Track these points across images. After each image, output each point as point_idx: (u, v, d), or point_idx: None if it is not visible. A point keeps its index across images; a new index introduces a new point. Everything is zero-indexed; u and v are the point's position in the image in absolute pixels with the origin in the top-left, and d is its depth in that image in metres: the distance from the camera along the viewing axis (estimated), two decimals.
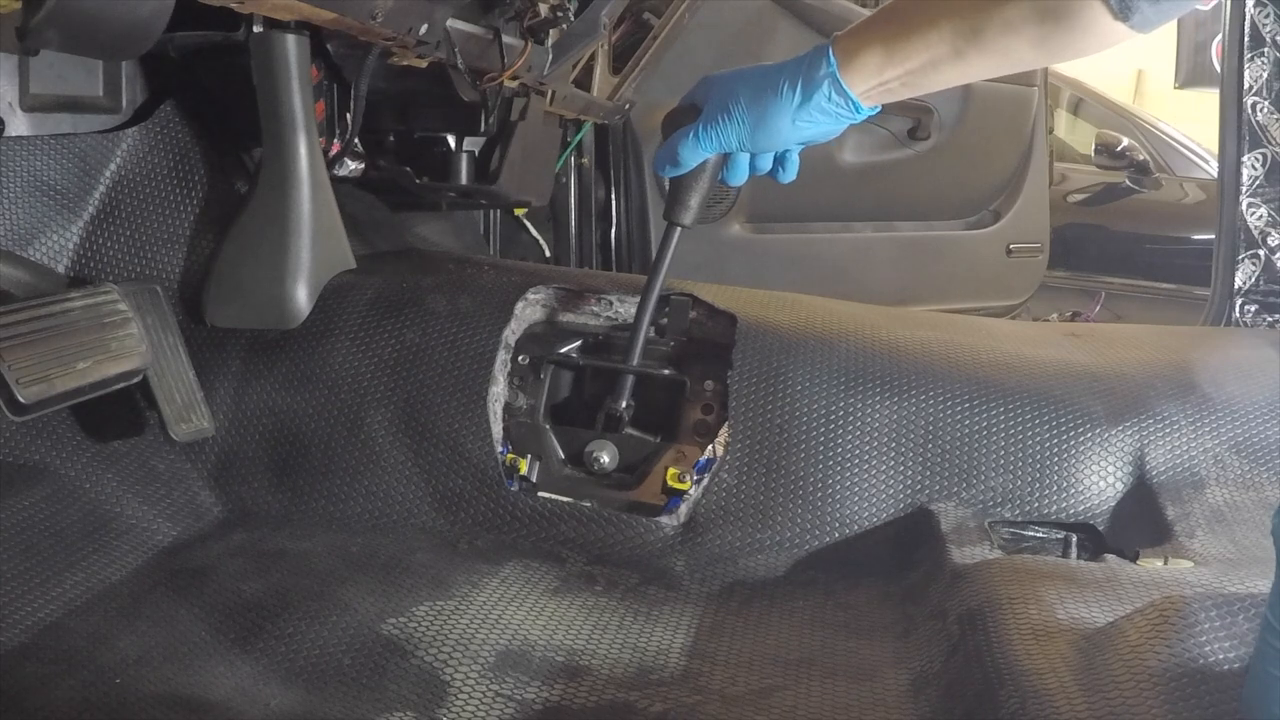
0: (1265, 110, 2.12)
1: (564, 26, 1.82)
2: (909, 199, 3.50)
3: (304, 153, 1.67)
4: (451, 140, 2.00)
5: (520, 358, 1.72)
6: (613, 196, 2.92)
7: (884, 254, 3.49)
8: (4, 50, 1.47)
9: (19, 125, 1.58)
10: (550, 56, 1.92)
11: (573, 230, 2.89)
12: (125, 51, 1.47)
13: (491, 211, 2.78)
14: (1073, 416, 1.57)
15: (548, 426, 1.69)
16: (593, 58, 2.48)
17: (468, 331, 1.70)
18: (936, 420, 1.58)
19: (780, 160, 1.23)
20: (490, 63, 1.76)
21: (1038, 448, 1.55)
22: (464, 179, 2.01)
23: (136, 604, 1.34)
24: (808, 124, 1.12)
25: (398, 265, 1.96)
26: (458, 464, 1.61)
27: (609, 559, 1.53)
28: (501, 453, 1.64)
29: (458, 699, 1.18)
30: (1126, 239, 5.37)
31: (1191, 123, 5.76)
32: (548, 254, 2.89)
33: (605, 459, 1.64)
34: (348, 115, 1.84)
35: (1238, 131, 2.14)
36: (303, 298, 1.71)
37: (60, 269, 1.67)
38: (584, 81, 2.45)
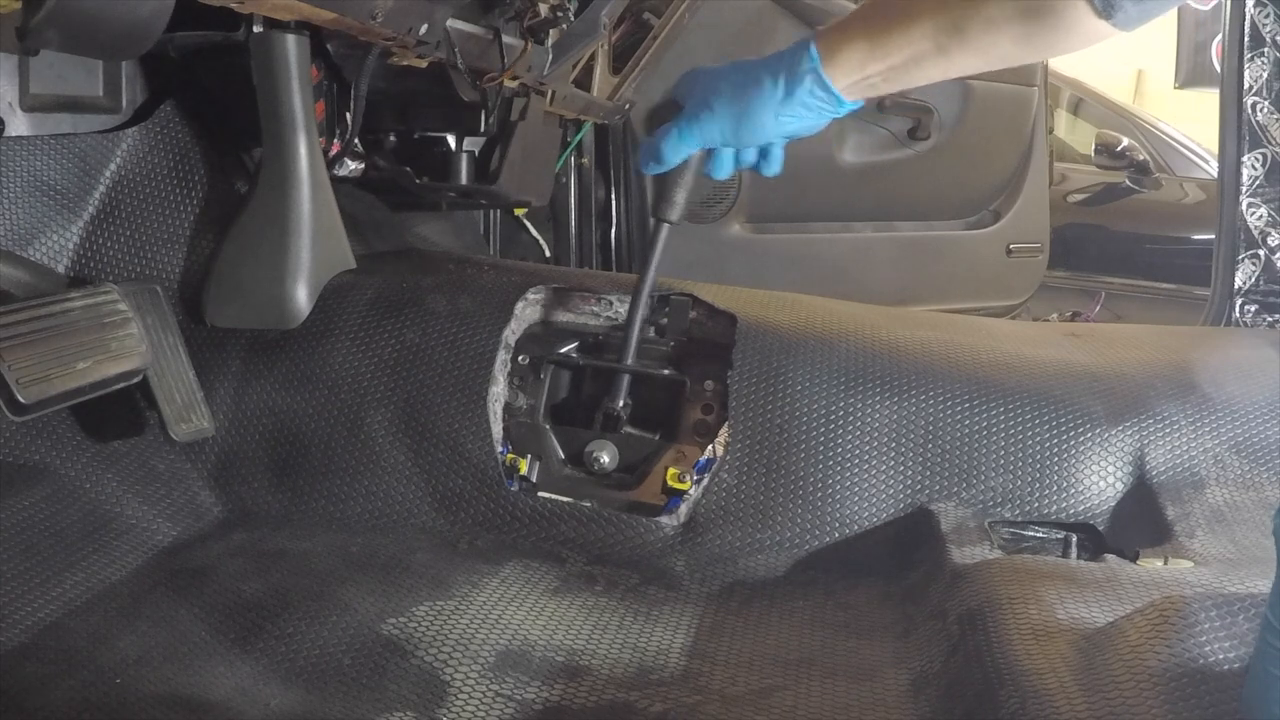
0: (1265, 110, 2.12)
1: (564, 26, 1.82)
2: (909, 199, 3.50)
3: (304, 153, 1.67)
4: (451, 140, 2.00)
5: (520, 358, 1.72)
6: (613, 196, 2.92)
7: (884, 254, 3.49)
8: (4, 50, 1.47)
9: (19, 125, 1.58)
10: (550, 56, 1.92)
11: (573, 230, 2.89)
12: (125, 51, 1.47)
13: (491, 211, 2.78)
14: (1073, 416, 1.57)
15: (548, 426, 1.69)
16: (593, 58, 2.48)
17: (468, 331, 1.70)
18: (936, 420, 1.58)
19: (764, 153, 1.23)
20: (490, 63, 1.76)
21: (1038, 448, 1.55)
22: (464, 179, 2.01)
23: (136, 604, 1.34)
24: (791, 118, 1.12)
25: (398, 265, 1.95)
26: (458, 464, 1.61)
27: (609, 559, 1.53)
28: (501, 453, 1.64)
29: (458, 699, 1.18)
30: (1126, 239, 5.37)
31: (1191, 123, 5.76)
32: (548, 254, 2.89)
33: (605, 459, 1.64)
34: (348, 115, 1.84)
35: (1238, 131, 2.14)
36: (303, 298, 1.71)
37: (60, 269, 1.67)
38: (584, 81, 2.45)
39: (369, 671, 1.21)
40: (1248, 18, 2.12)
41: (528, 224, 2.86)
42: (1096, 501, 1.53)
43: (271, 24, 1.61)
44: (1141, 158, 5.38)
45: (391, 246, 2.14)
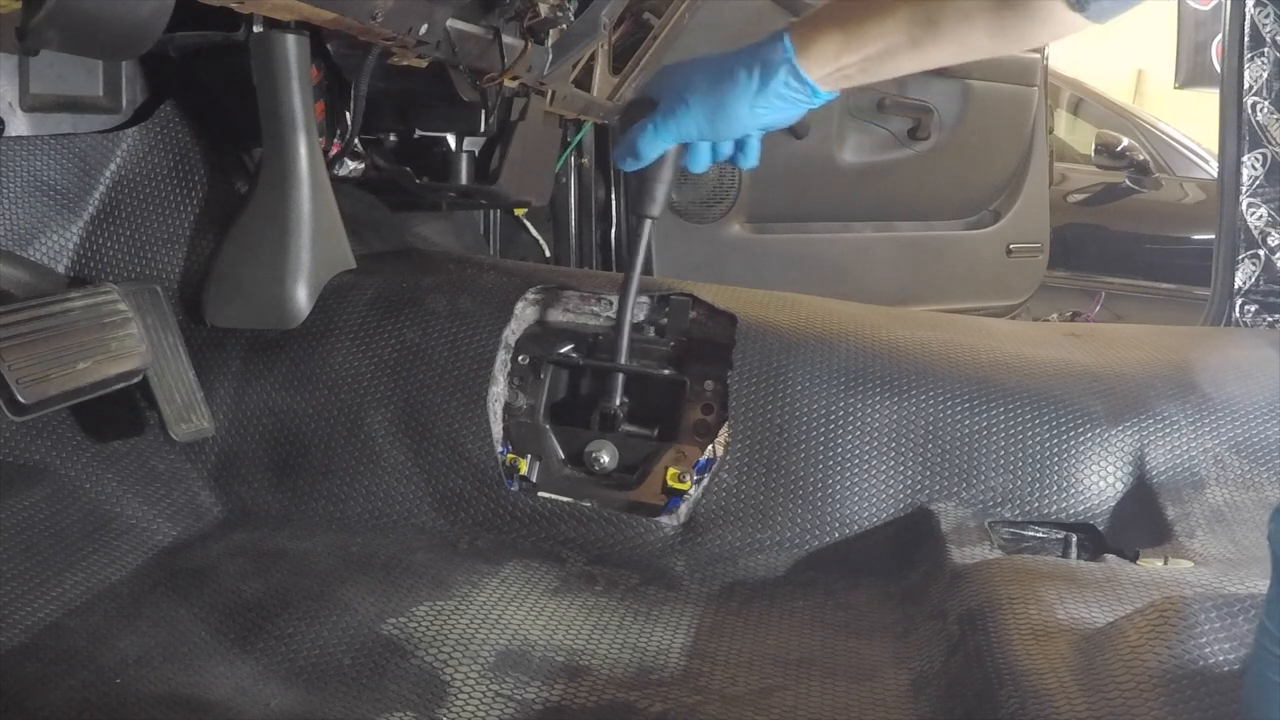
0: (1265, 110, 2.12)
1: (564, 26, 1.82)
2: (909, 199, 3.50)
3: (304, 153, 1.67)
4: (451, 140, 2.00)
5: (520, 358, 1.72)
6: (613, 196, 2.92)
7: (884, 254, 3.50)
8: (4, 50, 1.47)
9: (19, 125, 1.58)
10: (550, 56, 1.92)
11: (573, 230, 2.90)
12: (125, 51, 1.47)
13: (491, 211, 2.78)
14: (1073, 416, 1.57)
15: (548, 426, 1.69)
16: (593, 58, 2.48)
17: (468, 331, 1.70)
18: (936, 420, 1.58)
19: (741, 146, 1.23)
20: (490, 63, 1.76)
21: (1038, 448, 1.55)
22: (464, 179, 2.01)
23: (136, 604, 1.34)
24: (766, 110, 1.13)
25: (398, 265, 1.95)
26: (458, 464, 1.61)
27: (609, 559, 1.53)
28: (501, 453, 1.64)
29: (458, 699, 1.18)
30: (1126, 239, 5.37)
31: (1191, 123, 5.76)
32: (548, 254, 2.89)
33: (605, 459, 1.64)
34: (347, 115, 1.84)
35: (1238, 131, 2.15)
36: (303, 298, 1.71)
37: (60, 269, 1.67)
38: (584, 81, 2.45)
39: (369, 671, 1.21)
40: (1248, 18, 2.12)
41: (528, 224, 2.86)
42: (1096, 501, 1.53)
43: (271, 24, 1.61)
44: (1141, 158, 5.38)
45: (391, 246, 2.14)
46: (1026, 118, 3.69)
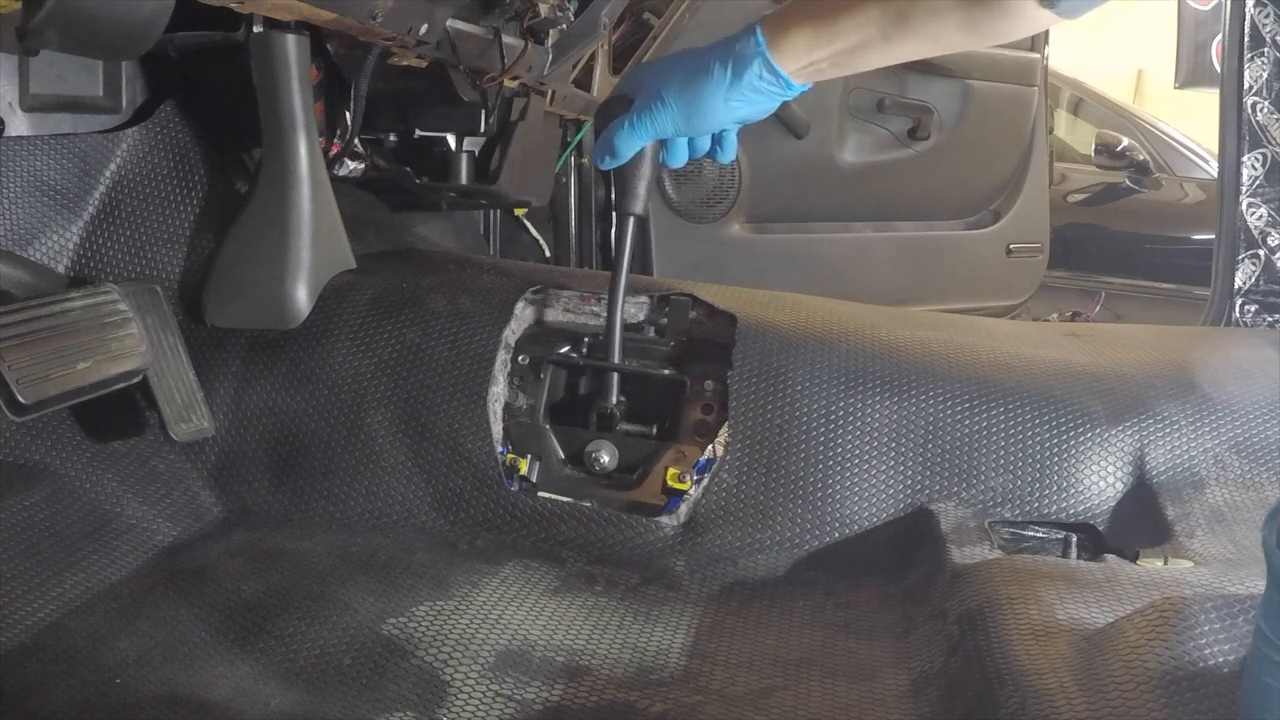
0: (1265, 110, 2.12)
1: (564, 26, 1.82)
2: (909, 199, 3.50)
3: (304, 153, 1.68)
4: (451, 140, 2.00)
5: (520, 358, 1.72)
6: (613, 196, 2.92)
7: (884, 254, 3.50)
8: (4, 50, 1.47)
9: (19, 125, 1.58)
10: (550, 56, 1.92)
11: (573, 230, 2.89)
12: (125, 51, 1.47)
13: (491, 211, 2.78)
14: (1073, 416, 1.57)
15: (548, 426, 1.69)
16: (593, 58, 2.48)
17: (468, 331, 1.70)
18: (936, 420, 1.58)
19: (718, 140, 1.23)
20: (490, 63, 1.76)
21: (1038, 448, 1.55)
22: (464, 179, 2.01)
23: (136, 604, 1.34)
24: (741, 103, 1.13)
25: (398, 265, 1.96)
26: (458, 464, 1.61)
27: (609, 559, 1.53)
28: (501, 453, 1.64)
29: (458, 699, 1.18)
30: (1126, 239, 5.37)
31: (1191, 123, 5.76)
32: (548, 254, 2.89)
33: (605, 459, 1.64)
34: (347, 115, 1.84)
35: (1238, 131, 2.14)
36: (303, 298, 1.71)
37: (60, 269, 1.67)
38: (584, 81, 2.45)
39: (369, 671, 1.21)
40: (1248, 18, 2.12)
41: (528, 224, 2.86)
42: (1096, 501, 1.53)
43: (271, 24, 1.61)
44: (1141, 158, 5.38)
45: (391, 246, 2.14)
46: (1026, 118, 3.69)
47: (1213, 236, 2.25)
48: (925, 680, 1.22)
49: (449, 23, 1.61)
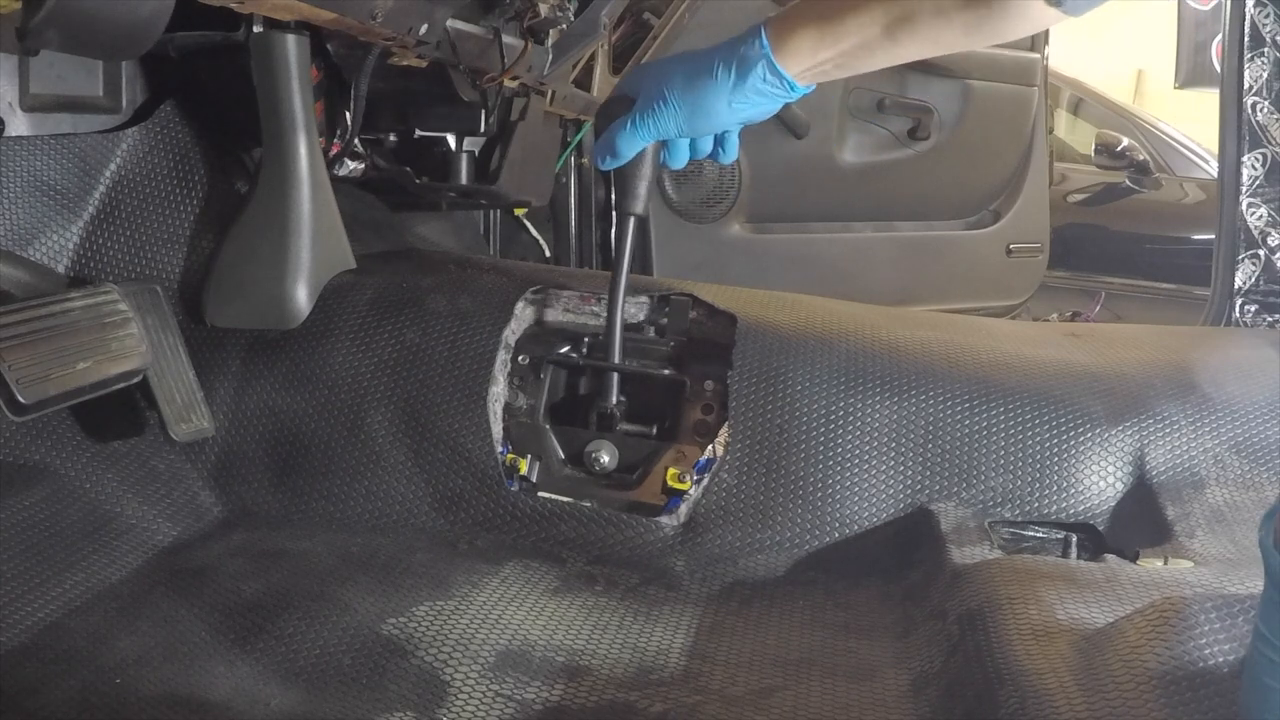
0: (1265, 110, 2.12)
1: (564, 26, 1.82)
2: (909, 199, 3.50)
3: (304, 153, 1.68)
4: (451, 140, 2.00)
5: (520, 358, 1.72)
6: (612, 196, 2.92)
7: (884, 254, 3.50)
8: (4, 50, 1.47)
9: (19, 125, 1.58)
10: (550, 56, 1.92)
11: (573, 230, 2.89)
12: (125, 51, 1.47)
13: (491, 211, 2.78)
14: (1073, 416, 1.57)
15: (548, 426, 1.69)
16: (593, 58, 2.48)
17: (468, 331, 1.70)
18: (936, 420, 1.58)
19: (720, 142, 1.23)
20: (490, 63, 1.76)
21: (1038, 448, 1.55)
22: (464, 179, 2.01)
23: (136, 604, 1.34)
24: (744, 104, 1.13)
25: (398, 265, 1.96)
26: (458, 464, 1.61)
27: (609, 559, 1.53)
28: (501, 453, 1.64)
29: (458, 699, 1.18)
30: (1126, 239, 5.37)
31: (1191, 123, 5.76)
32: (548, 254, 2.89)
33: (605, 459, 1.64)
34: (347, 115, 1.84)
35: (1238, 131, 2.14)
36: (303, 298, 1.71)
37: (60, 269, 1.67)
38: (584, 81, 2.45)
39: (369, 671, 1.21)
40: (1248, 18, 2.12)
41: (528, 224, 2.86)
42: (1096, 501, 1.53)
43: (271, 24, 1.61)
44: (1141, 158, 5.38)
45: (391, 246, 2.14)
46: (1026, 118, 3.69)
47: (1213, 236, 2.25)
48: (925, 680, 1.22)
49: (449, 23, 1.61)
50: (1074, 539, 1.51)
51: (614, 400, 1.66)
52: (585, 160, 2.87)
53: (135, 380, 1.51)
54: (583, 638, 1.32)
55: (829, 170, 3.26)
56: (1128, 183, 5.39)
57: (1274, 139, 2.12)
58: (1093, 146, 5.41)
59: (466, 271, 1.88)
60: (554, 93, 2.16)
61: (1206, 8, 6.61)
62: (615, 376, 1.67)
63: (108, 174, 1.72)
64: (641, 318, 1.77)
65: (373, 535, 1.55)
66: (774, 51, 1.09)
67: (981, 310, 3.56)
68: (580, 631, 1.33)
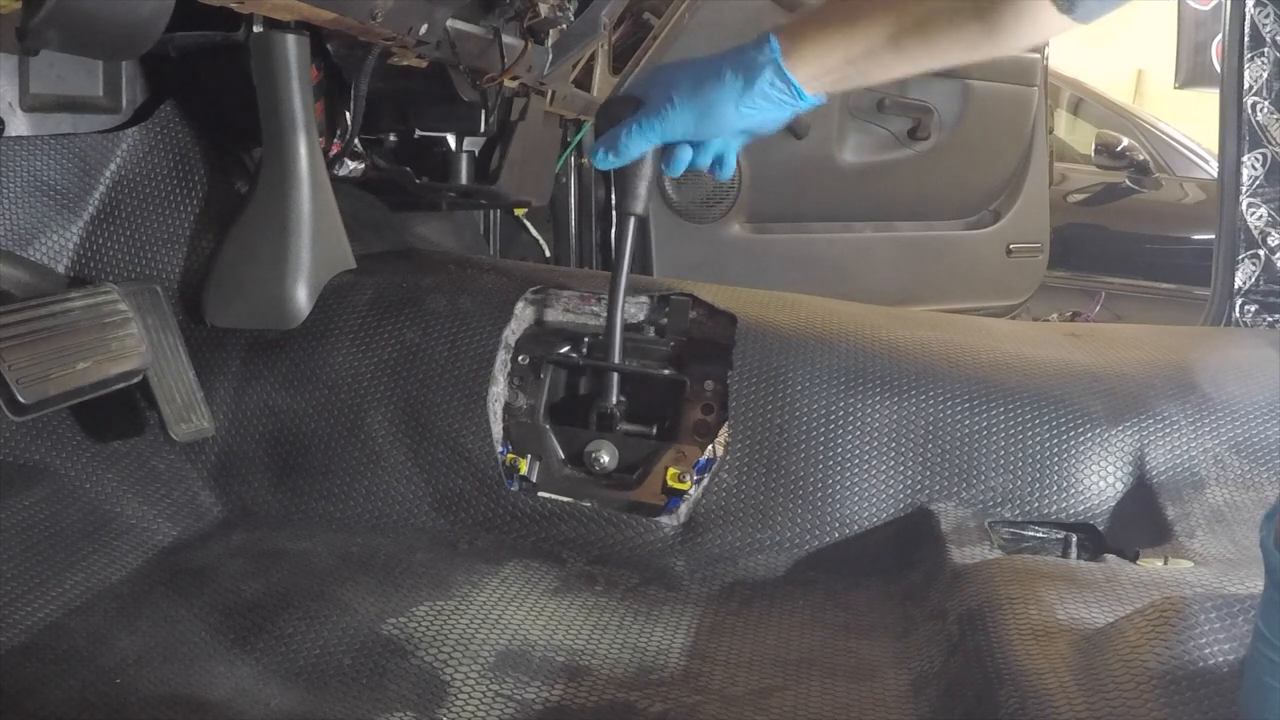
0: (1265, 110, 2.12)
1: (564, 26, 1.82)
2: (909, 199, 3.50)
3: (304, 153, 1.68)
4: (451, 140, 2.00)
5: (520, 358, 1.72)
6: (613, 196, 2.92)
7: (884, 254, 3.50)
8: (4, 50, 1.47)
9: (19, 125, 1.58)
10: (550, 56, 1.92)
11: (573, 230, 2.89)
12: (125, 51, 1.47)
13: (491, 211, 2.78)
14: (1073, 416, 1.57)
15: (548, 426, 1.69)
16: (593, 58, 2.48)
17: (468, 331, 1.70)
18: (936, 420, 1.58)
19: (719, 159, 1.22)
20: (490, 63, 1.76)
21: (1038, 448, 1.55)
22: (464, 179, 2.01)
23: (136, 604, 1.34)
24: (752, 109, 1.12)
25: (398, 265, 1.96)
26: (458, 464, 1.61)
27: (609, 559, 1.53)
28: (501, 453, 1.64)
29: (458, 699, 1.18)
30: (1126, 239, 5.37)
31: (1191, 123, 5.76)
32: (548, 254, 2.89)
33: (605, 459, 1.64)
34: (347, 115, 1.84)
35: (1238, 131, 2.14)
36: (303, 298, 1.71)
37: (60, 269, 1.67)
38: (584, 81, 2.45)
39: (369, 671, 1.21)
40: (1248, 18, 2.12)
41: (528, 224, 2.86)
42: (1096, 501, 1.53)
43: (271, 24, 1.61)
44: (1141, 158, 5.38)
45: (391, 246, 2.14)
46: (1026, 118, 3.69)
47: (1213, 236, 2.25)
48: (925, 680, 1.22)
49: (449, 23, 1.61)
50: (1074, 539, 1.51)
51: (614, 400, 1.66)
52: (585, 160, 2.87)
53: (135, 380, 1.51)
54: (583, 638, 1.32)
55: (829, 170, 3.26)
56: (1128, 183, 5.39)
57: (1274, 139, 2.12)
58: (1093, 146, 5.41)
59: (466, 271, 1.88)
60: (554, 93, 2.16)
61: (1206, 8, 6.60)
62: (615, 376, 1.67)
63: (108, 174, 1.72)
64: (641, 318, 1.77)
65: (373, 535, 1.55)
66: (784, 56, 1.09)
67: (981, 310, 3.56)
68: (580, 631, 1.33)
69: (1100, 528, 1.52)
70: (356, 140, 1.89)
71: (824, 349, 1.66)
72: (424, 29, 1.53)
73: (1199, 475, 1.54)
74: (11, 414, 1.29)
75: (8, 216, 1.61)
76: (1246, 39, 2.13)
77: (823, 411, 1.59)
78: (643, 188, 1.42)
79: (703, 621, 1.38)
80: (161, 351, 1.58)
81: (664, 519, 1.57)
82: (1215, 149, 2.32)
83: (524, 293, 1.77)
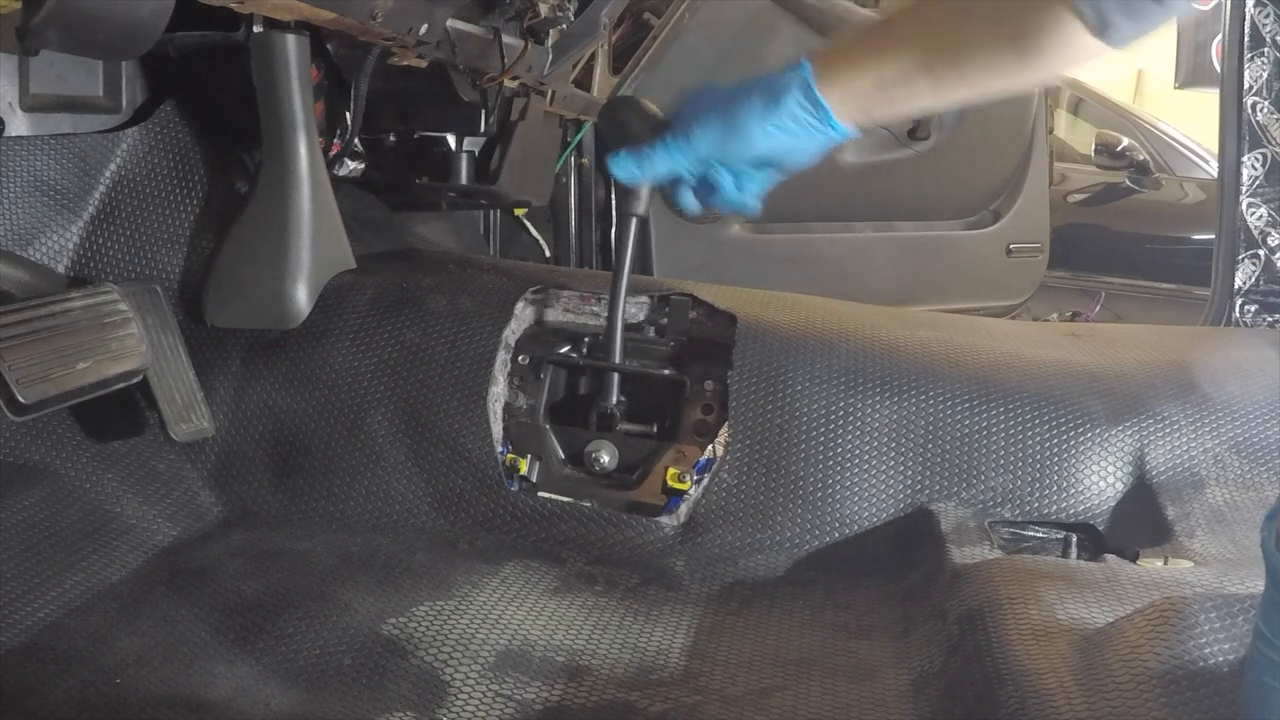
0: (1265, 110, 2.12)
1: (564, 26, 1.82)
2: (909, 199, 3.50)
3: (304, 153, 1.67)
4: (451, 140, 2.00)
5: (520, 358, 1.72)
6: (612, 196, 2.92)
7: (884, 254, 3.49)
8: (4, 50, 1.47)
9: (19, 125, 1.58)
10: (550, 56, 1.92)
11: (573, 230, 2.89)
12: (125, 51, 1.47)
13: (491, 211, 2.78)
14: (1073, 416, 1.57)
15: (548, 426, 1.69)
16: (593, 58, 2.49)
17: (468, 331, 1.70)
18: (936, 420, 1.58)
19: (746, 188, 1.17)
20: (490, 63, 1.76)
21: (1038, 448, 1.55)
22: (464, 179, 2.01)
23: (136, 604, 1.34)
24: (779, 131, 1.09)
25: (398, 265, 1.96)
26: (458, 464, 1.61)
27: (609, 559, 1.52)
28: (501, 453, 1.64)
29: (458, 699, 1.18)
30: (1126, 239, 5.37)
31: (1191, 123, 5.76)
32: (548, 254, 2.89)
33: (605, 459, 1.64)
34: (347, 115, 1.84)
35: (1238, 131, 2.14)
36: (303, 298, 1.71)
37: (60, 269, 1.67)
38: (584, 81, 2.45)
39: (369, 671, 1.21)
40: (1248, 18, 2.12)
41: (528, 224, 2.86)
42: (1096, 501, 1.53)
43: (271, 24, 1.61)
44: (1141, 158, 5.38)
45: (391, 246, 2.14)
46: (1026, 118, 3.69)
47: (1213, 236, 2.25)
48: (925, 680, 1.22)
49: (449, 23, 1.61)
50: (1074, 539, 1.51)
51: (614, 400, 1.66)
52: (585, 160, 2.87)
53: (135, 380, 1.51)
54: (583, 638, 1.32)
55: (829, 170, 3.24)
56: (1128, 183, 5.39)
57: (1274, 139, 2.12)
58: (1093, 146, 5.41)
59: (466, 271, 1.88)
60: (554, 93, 2.16)
61: (1206, 8, 6.60)
62: (615, 376, 1.67)
63: (108, 174, 1.72)
64: (641, 318, 1.77)
65: (373, 535, 1.54)
66: (815, 78, 1.06)
67: (981, 310, 3.56)
68: (580, 631, 1.33)
69: (1100, 528, 1.52)
70: (356, 140, 1.89)
71: (824, 349, 1.66)
72: (424, 29, 1.53)
73: (1199, 475, 1.54)
74: (11, 414, 1.29)
75: (8, 216, 1.61)
76: (1246, 39, 2.13)
77: (823, 411, 1.59)
78: (644, 190, 1.42)
79: (703, 621, 1.38)
80: (161, 351, 1.58)
81: (664, 519, 1.57)
82: (1215, 149, 2.32)
83: (524, 293, 1.77)
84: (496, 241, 2.83)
